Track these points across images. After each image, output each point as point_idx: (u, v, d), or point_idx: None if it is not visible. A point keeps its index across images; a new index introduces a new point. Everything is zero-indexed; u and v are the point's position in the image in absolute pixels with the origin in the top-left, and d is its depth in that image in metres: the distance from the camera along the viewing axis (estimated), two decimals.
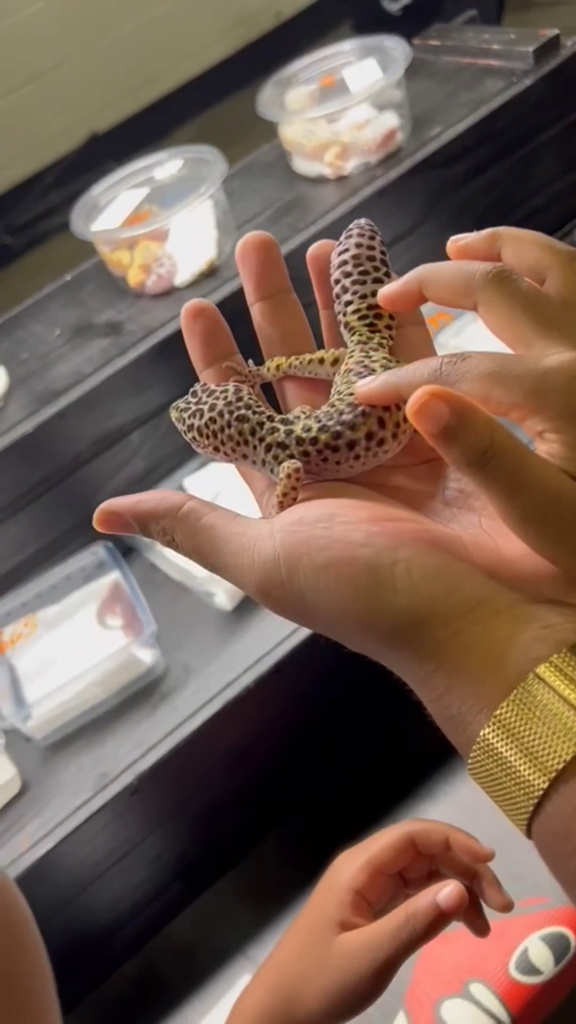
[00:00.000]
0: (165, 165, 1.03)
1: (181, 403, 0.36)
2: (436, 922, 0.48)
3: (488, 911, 0.54)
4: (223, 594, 0.91)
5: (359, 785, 0.94)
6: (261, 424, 0.33)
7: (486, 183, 1.06)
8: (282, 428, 0.33)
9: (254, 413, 0.34)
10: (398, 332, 0.36)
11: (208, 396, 0.35)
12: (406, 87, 1.03)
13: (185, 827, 0.93)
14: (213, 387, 0.35)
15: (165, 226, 0.96)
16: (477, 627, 0.28)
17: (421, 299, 0.33)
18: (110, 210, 1.01)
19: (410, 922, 0.48)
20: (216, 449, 0.35)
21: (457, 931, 0.72)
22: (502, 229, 0.32)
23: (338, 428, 0.32)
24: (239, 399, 0.34)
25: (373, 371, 0.33)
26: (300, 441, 0.32)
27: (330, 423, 0.32)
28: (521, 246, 0.31)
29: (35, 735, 0.88)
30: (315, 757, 0.97)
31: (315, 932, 0.52)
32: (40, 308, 1.04)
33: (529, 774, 0.27)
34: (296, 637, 0.86)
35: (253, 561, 0.30)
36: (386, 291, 0.34)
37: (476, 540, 0.30)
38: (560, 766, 0.26)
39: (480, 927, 0.54)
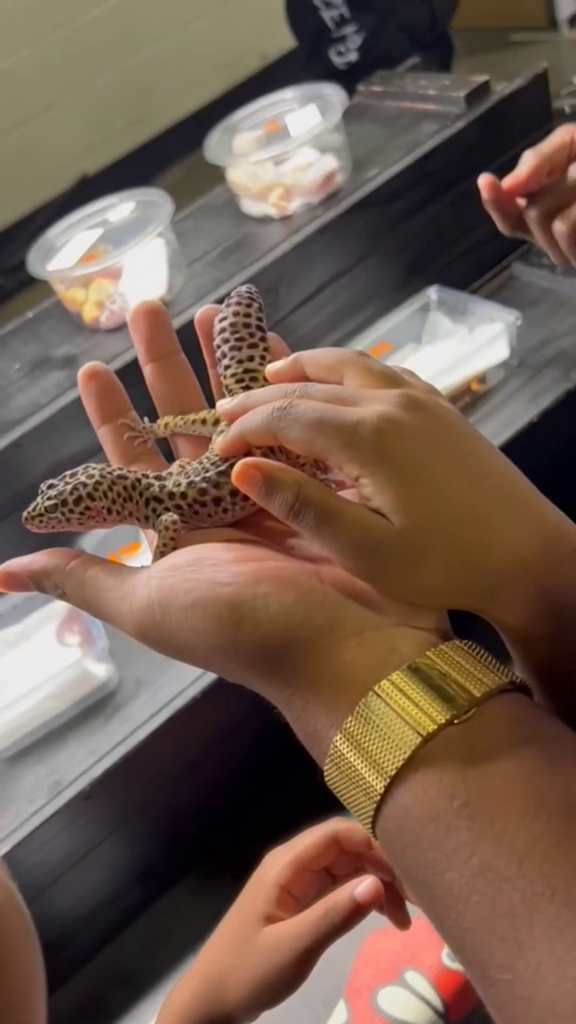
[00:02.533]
0: (117, 208, 1.09)
1: (45, 495, 0.37)
2: (353, 914, 0.51)
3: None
4: None
5: (313, 791, 0.98)
6: (139, 480, 0.37)
7: (425, 221, 1.12)
8: (156, 484, 0.37)
9: (129, 472, 0.37)
10: None
11: (71, 477, 0.38)
12: (346, 131, 1.10)
13: (141, 833, 0.97)
14: (64, 474, 0.38)
15: (117, 264, 1.02)
16: (329, 651, 0.32)
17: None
18: (66, 250, 1.07)
19: (328, 914, 0.51)
20: (107, 511, 0.37)
21: None
22: (300, 353, 0.37)
23: (203, 485, 0.36)
24: (105, 469, 0.37)
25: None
26: (172, 496, 0.37)
27: (196, 479, 0.36)
28: (318, 359, 0.36)
29: None
30: (267, 764, 1.01)
31: (243, 925, 0.56)
32: (2, 344, 1.10)
33: (371, 779, 0.30)
34: None
35: (132, 607, 0.34)
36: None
37: (333, 574, 0.33)
38: (394, 771, 0.29)
39: (401, 920, 0.58)
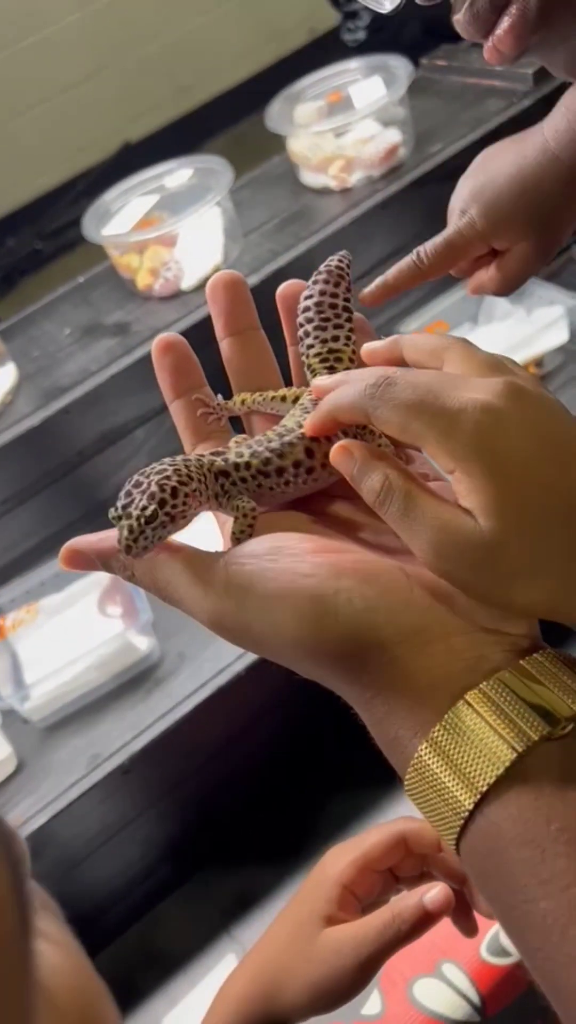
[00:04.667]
0: (175, 174, 1.07)
1: (129, 515, 0.33)
2: (421, 922, 0.49)
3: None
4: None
5: (350, 776, 0.97)
6: (202, 457, 0.35)
7: None
8: (218, 458, 0.35)
9: (194, 457, 0.35)
10: None
11: (141, 486, 0.33)
12: (410, 105, 1.07)
13: (176, 809, 0.96)
14: (126, 491, 0.33)
15: (173, 231, 1.00)
16: (414, 654, 0.30)
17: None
18: (121, 216, 1.05)
19: (395, 921, 0.49)
20: (200, 496, 0.34)
21: None
22: (400, 336, 0.34)
23: (267, 455, 0.34)
24: (164, 460, 0.34)
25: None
26: (237, 467, 0.34)
27: (260, 448, 0.35)
28: (417, 342, 0.34)
29: (32, 717, 0.92)
30: (306, 745, 1.00)
31: (301, 925, 0.53)
32: (52, 308, 1.08)
33: (459, 793, 0.28)
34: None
35: (205, 593, 0.32)
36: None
37: (418, 572, 0.31)
38: (485, 787, 0.27)
39: (469, 928, 0.55)
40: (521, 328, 1.04)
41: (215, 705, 0.90)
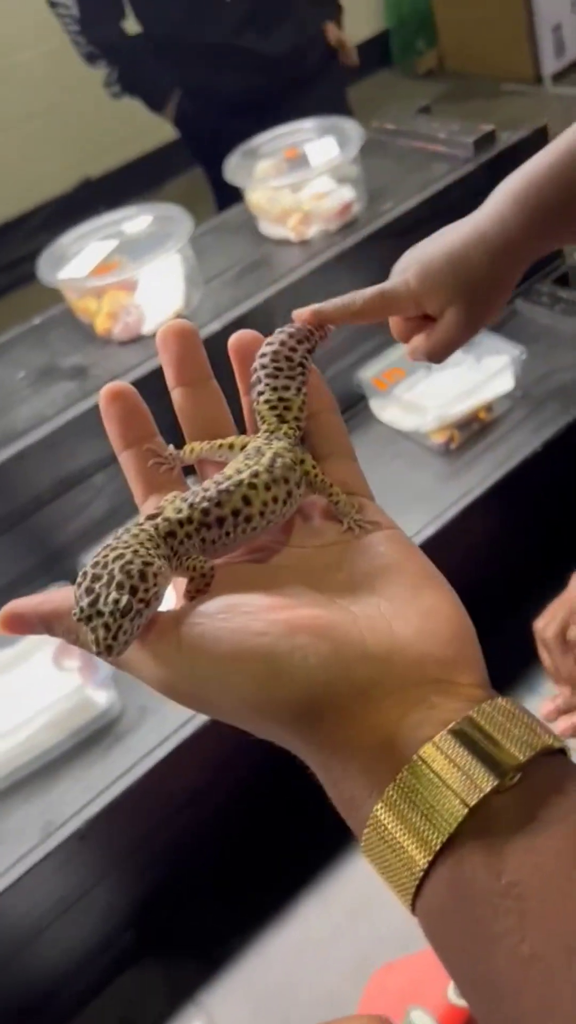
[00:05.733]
0: (134, 220, 1.07)
1: (99, 611, 0.30)
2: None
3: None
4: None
5: (320, 830, 0.94)
6: (147, 528, 0.33)
7: None
8: (160, 520, 0.33)
9: (136, 529, 0.33)
10: (313, 419, 0.38)
11: (101, 569, 0.31)
12: (362, 164, 1.11)
13: (137, 873, 0.91)
14: (85, 578, 0.31)
15: (134, 277, 0.99)
16: (367, 711, 0.29)
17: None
18: (79, 259, 1.04)
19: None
20: (163, 575, 0.32)
21: (403, 959, 0.69)
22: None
23: (205, 505, 0.33)
24: (121, 538, 0.32)
25: (261, 454, 0.35)
26: (180, 524, 0.33)
27: (197, 500, 0.33)
28: None
29: None
30: (273, 798, 0.96)
31: None
32: (6, 350, 1.05)
33: (414, 852, 0.28)
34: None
35: (155, 656, 0.31)
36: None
37: (372, 623, 0.31)
38: (439, 845, 0.27)
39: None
40: (472, 375, 1.07)
41: (179, 759, 0.86)
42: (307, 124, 1.15)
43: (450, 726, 0.28)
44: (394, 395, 1.09)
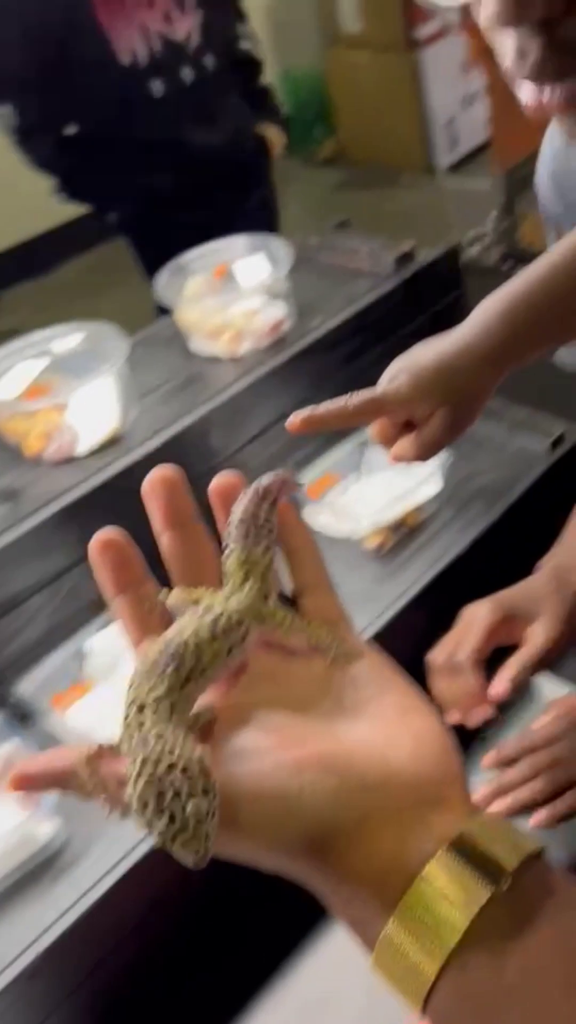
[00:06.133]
0: (66, 338, 1.09)
1: (169, 809, 0.30)
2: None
3: None
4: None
5: (278, 941, 0.94)
6: (163, 700, 0.34)
7: (361, 367, 1.18)
8: (151, 690, 0.34)
9: (155, 703, 0.34)
10: (292, 556, 0.41)
11: (149, 767, 0.31)
12: (289, 280, 1.16)
13: (92, 1001, 0.88)
14: (137, 781, 0.32)
15: (64, 400, 1.01)
16: (372, 837, 0.32)
17: None
18: (7, 379, 1.04)
19: None
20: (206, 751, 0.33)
21: None
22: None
23: (171, 670, 0.35)
24: (161, 732, 0.33)
25: (215, 612, 0.37)
26: (170, 689, 0.34)
27: (163, 669, 0.35)
28: None
29: None
30: (229, 915, 0.95)
31: None
32: None
33: (424, 965, 0.31)
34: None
35: None
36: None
37: (367, 752, 0.34)
38: (446, 956, 0.30)
39: None
40: (401, 480, 1.12)
41: (128, 885, 0.85)
42: (236, 241, 1.20)
43: (448, 843, 0.32)
44: (327, 502, 1.12)
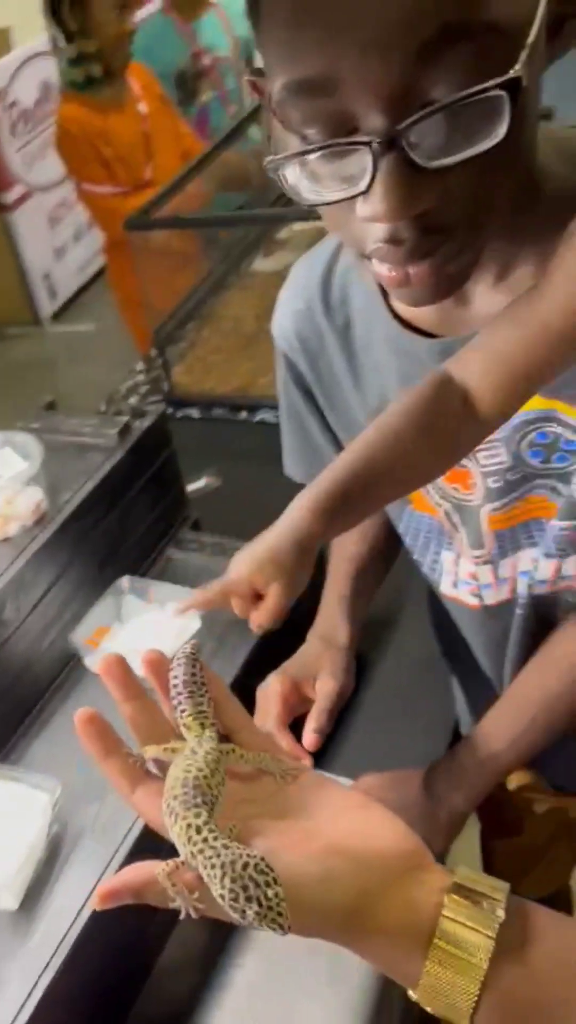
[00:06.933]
0: None
1: (246, 898, 0.39)
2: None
3: None
4: (6, 892, 0.92)
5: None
6: (214, 831, 0.43)
7: (106, 529, 1.40)
8: (201, 820, 0.43)
9: (200, 823, 0.43)
10: (218, 707, 0.53)
11: (210, 858, 0.41)
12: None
13: None
14: (207, 871, 0.41)
15: None
16: (395, 892, 0.41)
17: None
18: None
19: None
20: None
21: None
22: None
23: (198, 804, 0.44)
24: (213, 840, 0.42)
25: (202, 752, 0.48)
26: (199, 829, 0.43)
27: (197, 801, 0.44)
28: None
29: None
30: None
31: None
32: None
33: (467, 985, 0.38)
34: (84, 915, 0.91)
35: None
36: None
37: (358, 839, 0.43)
38: (485, 970, 0.38)
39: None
40: (164, 620, 1.35)
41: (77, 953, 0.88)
42: None
43: (448, 889, 0.41)
44: (103, 650, 1.31)
